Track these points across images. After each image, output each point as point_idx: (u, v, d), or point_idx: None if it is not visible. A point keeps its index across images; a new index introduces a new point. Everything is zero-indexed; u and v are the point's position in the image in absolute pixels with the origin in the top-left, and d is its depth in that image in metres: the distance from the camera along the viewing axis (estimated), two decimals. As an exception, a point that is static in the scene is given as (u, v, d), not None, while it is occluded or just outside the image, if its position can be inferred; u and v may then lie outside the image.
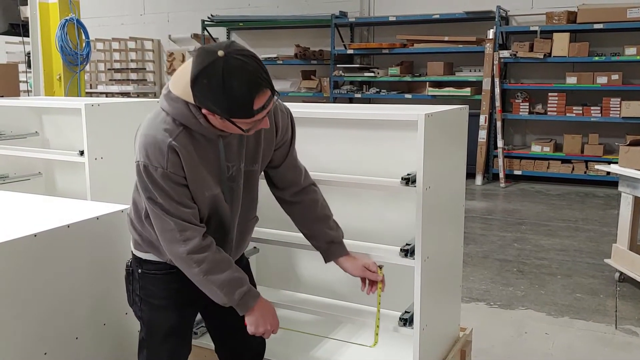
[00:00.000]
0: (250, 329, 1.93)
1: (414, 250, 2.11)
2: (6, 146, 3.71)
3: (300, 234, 2.17)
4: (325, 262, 2.13)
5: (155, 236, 1.87)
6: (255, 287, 2.27)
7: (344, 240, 2.14)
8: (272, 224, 2.54)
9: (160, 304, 1.98)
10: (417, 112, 2.07)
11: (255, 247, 2.79)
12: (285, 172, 2.06)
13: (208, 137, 1.79)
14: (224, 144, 1.83)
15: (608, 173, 7.04)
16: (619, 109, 7.34)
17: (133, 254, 2.01)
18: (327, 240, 2.10)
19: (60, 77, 5.57)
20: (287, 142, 2.02)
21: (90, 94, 9.84)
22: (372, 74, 8.76)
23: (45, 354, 2.04)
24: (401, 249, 2.14)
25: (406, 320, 2.15)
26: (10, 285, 1.91)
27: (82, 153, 3.27)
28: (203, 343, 2.48)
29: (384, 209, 2.56)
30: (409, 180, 2.09)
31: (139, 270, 1.97)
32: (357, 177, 2.37)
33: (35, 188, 3.85)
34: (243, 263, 2.16)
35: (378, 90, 8.88)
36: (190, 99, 1.69)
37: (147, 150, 1.73)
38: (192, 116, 1.73)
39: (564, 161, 7.77)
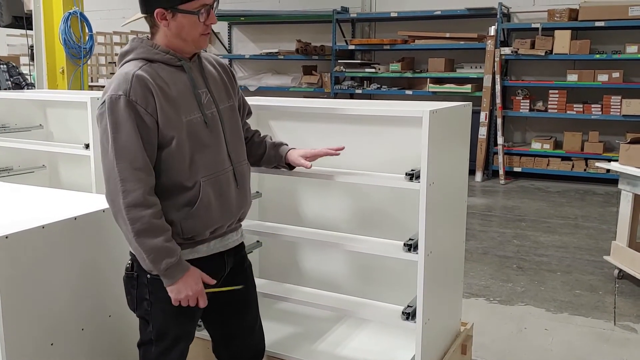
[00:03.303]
0: (173, 297, 1.87)
1: (417, 245, 2.14)
2: (11, 139, 3.73)
3: (304, 228, 2.19)
4: (286, 163, 2.22)
5: None
6: (254, 280, 2.22)
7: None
8: (275, 218, 2.56)
9: (173, 310, 1.92)
10: (421, 108, 2.10)
11: (258, 241, 2.81)
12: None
13: (173, 66, 1.87)
14: (189, 71, 1.90)
15: (608, 171, 6.99)
16: (619, 106, 7.37)
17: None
18: (274, 145, 2.23)
19: (63, 70, 5.58)
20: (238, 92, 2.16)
21: (92, 87, 9.82)
22: (373, 70, 8.77)
23: (52, 344, 2.06)
24: (404, 244, 2.17)
25: (409, 314, 2.18)
26: (18, 276, 1.94)
27: (87, 146, 3.29)
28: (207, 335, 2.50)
29: (388, 204, 2.59)
30: (413, 176, 2.12)
31: (148, 276, 1.91)
32: (361, 172, 2.40)
33: (39, 181, 3.87)
34: (246, 263, 2.15)
35: (379, 86, 8.90)
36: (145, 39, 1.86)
37: (115, 85, 1.78)
38: (150, 46, 1.85)
39: (564, 158, 7.80)
